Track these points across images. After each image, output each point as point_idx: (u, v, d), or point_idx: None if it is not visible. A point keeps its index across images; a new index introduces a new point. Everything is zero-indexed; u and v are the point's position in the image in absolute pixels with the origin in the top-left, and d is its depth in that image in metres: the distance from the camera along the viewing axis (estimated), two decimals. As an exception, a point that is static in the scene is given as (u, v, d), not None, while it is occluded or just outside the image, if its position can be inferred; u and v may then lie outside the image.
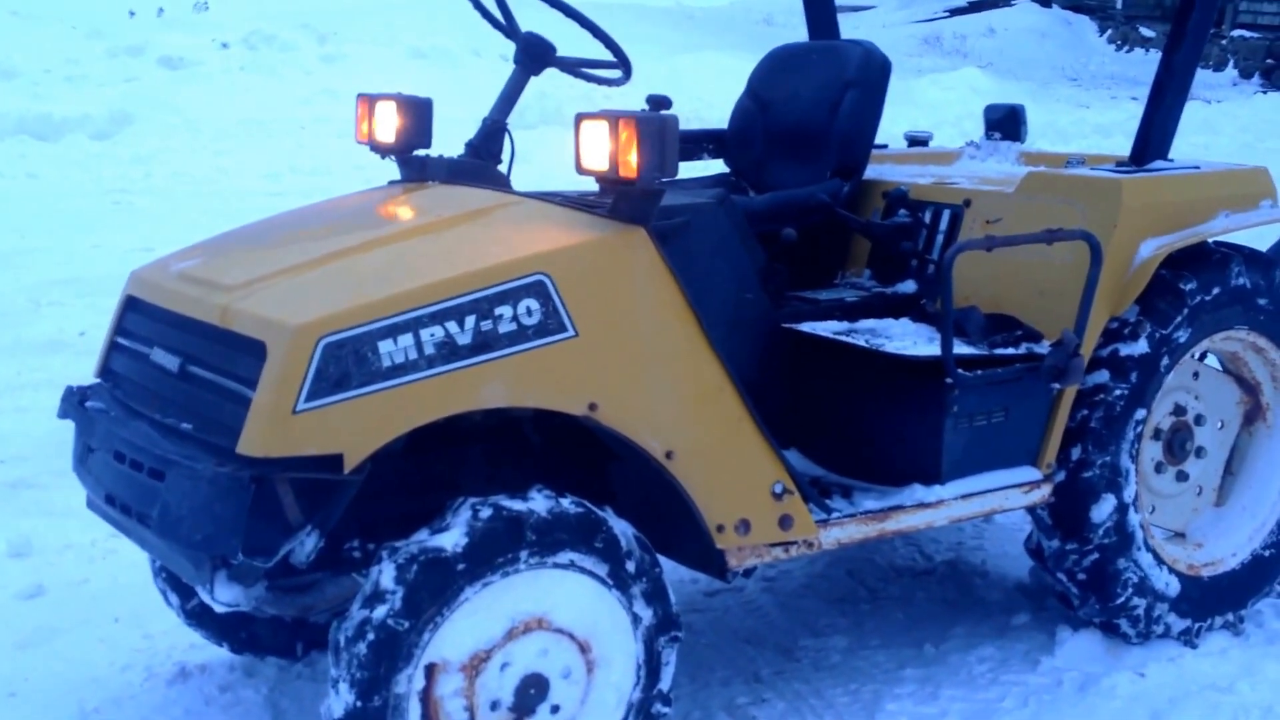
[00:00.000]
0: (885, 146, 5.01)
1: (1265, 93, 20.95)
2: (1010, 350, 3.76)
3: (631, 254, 3.26)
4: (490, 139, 4.14)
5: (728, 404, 3.33)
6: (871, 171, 4.56)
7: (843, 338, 3.74)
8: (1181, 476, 4.23)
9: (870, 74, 4.45)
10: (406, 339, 3.00)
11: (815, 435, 3.95)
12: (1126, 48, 24.37)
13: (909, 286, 4.24)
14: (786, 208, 4.25)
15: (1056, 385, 3.73)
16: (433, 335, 3.02)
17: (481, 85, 10.15)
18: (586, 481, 3.54)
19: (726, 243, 3.72)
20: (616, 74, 4.25)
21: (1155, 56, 4.26)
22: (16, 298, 8.29)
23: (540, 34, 4.19)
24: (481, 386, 3.06)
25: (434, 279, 3.08)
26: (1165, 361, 3.95)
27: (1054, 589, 4.11)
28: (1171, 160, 4.20)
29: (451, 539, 3.01)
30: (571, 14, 4.15)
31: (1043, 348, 3.77)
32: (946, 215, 4.25)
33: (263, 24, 17.88)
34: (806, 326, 3.84)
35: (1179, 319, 3.95)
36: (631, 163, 3.18)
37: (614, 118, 3.20)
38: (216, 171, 13.07)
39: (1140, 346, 3.90)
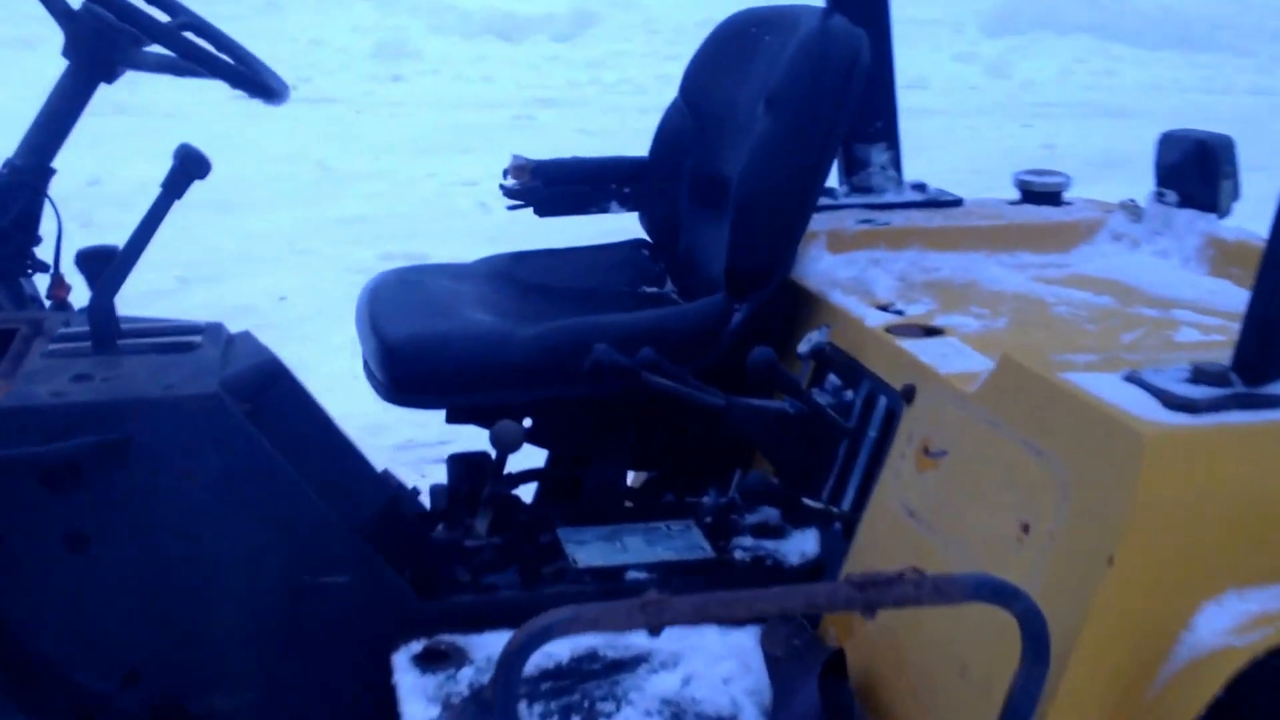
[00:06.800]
0: (961, 202, 2.62)
1: None
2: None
3: None
4: (9, 203, 2.23)
5: None
6: (855, 265, 2.27)
7: None
8: None
9: (820, 70, 2.15)
10: None
11: None
12: None
13: (807, 544, 2.01)
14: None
15: None
16: None
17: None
18: None
19: None
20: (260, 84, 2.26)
21: None
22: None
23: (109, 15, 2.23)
24: None
25: None
26: None
27: None
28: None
29: None
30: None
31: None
32: (882, 404, 1.94)
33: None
34: None
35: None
36: None
37: None
38: (658, 80, 11.42)
39: None
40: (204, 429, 1.74)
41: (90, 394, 1.74)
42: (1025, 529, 1.58)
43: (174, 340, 1.92)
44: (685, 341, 2.16)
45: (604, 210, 2.70)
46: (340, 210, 7.62)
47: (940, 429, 1.79)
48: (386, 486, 1.98)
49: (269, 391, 1.85)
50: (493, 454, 2.16)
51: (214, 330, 2.00)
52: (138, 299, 6.32)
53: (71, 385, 1.76)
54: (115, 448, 1.70)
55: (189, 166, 1.85)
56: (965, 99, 10.82)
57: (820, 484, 2.03)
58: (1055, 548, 1.53)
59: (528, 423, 2.28)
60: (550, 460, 2.41)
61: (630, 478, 2.51)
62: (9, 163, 2.25)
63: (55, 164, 2.30)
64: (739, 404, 2.02)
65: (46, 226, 2.33)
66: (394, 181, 8.22)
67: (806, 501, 1.94)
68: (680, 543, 2.08)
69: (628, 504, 2.28)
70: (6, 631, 1.75)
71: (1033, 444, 1.61)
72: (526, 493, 2.41)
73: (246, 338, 2.01)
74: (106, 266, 1.89)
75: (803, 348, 2.04)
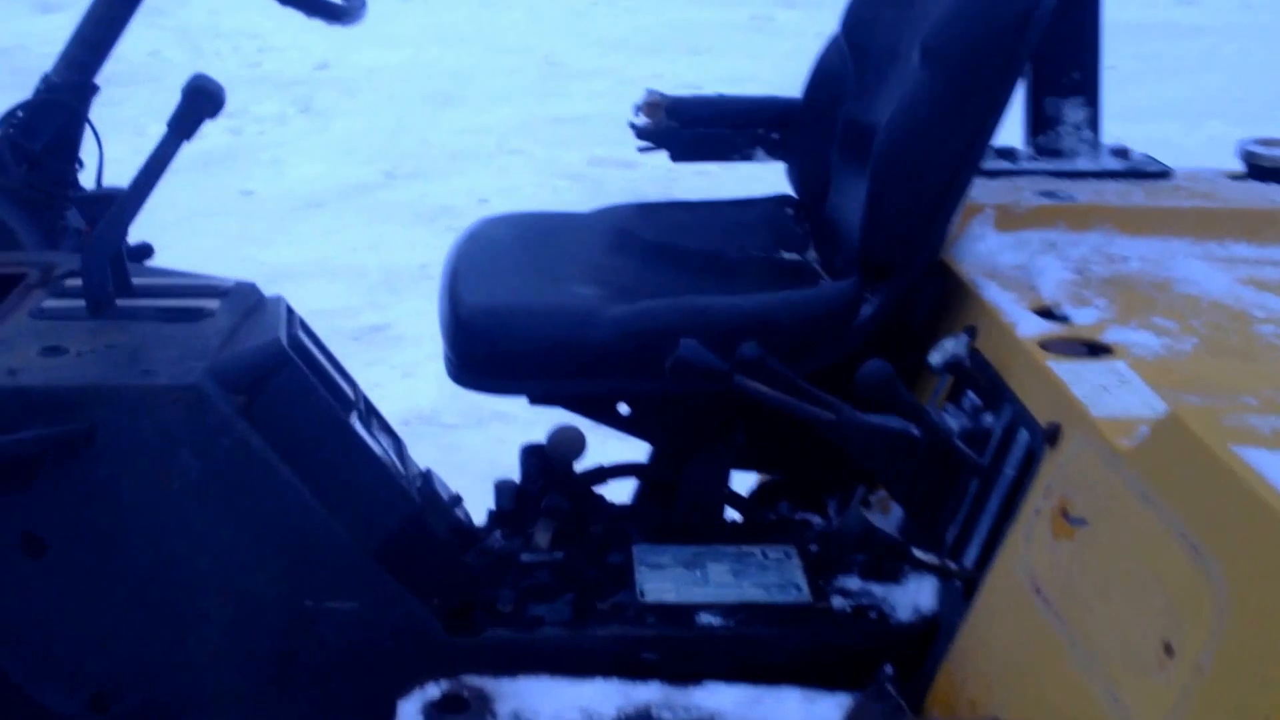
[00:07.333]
0: (1170, 173, 2.18)
1: None
2: None
3: None
4: (42, 124, 1.98)
5: None
6: (1025, 248, 1.88)
7: None
8: None
9: (987, 14, 1.75)
10: None
11: None
12: None
13: (923, 596, 1.66)
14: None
15: None
16: None
17: None
18: None
19: None
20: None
21: None
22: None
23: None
24: None
25: None
26: None
27: None
28: None
29: None
30: None
31: None
32: (1023, 440, 1.56)
33: None
34: None
35: None
36: None
37: None
38: None
39: None
40: (180, 424, 1.47)
41: (50, 376, 1.48)
42: (1168, 650, 1.21)
43: (184, 305, 1.65)
44: (803, 335, 1.80)
45: (747, 158, 2.33)
46: (558, 109, 7.39)
47: (1083, 489, 1.41)
48: (410, 497, 1.69)
49: (270, 380, 1.57)
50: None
51: (240, 294, 1.73)
52: (342, 192, 6.16)
53: (36, 360, 1.51)
54: (74, 442, 1.44)
55: (199, 103, 1.57)
56: (1238, 18, 9.97)
57: (947, 524, 1.67)
58: (1202, 687, 1.15)
59: (624, 409, 1.96)
60: (653, 454, 2.09)
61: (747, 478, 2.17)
62: (46, 79, 2.00)
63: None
64: (855, 420, 1.65)
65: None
66: (617, 80, 7.93)
67: (918, 554, 1.58)
68: (773, 577, 1.74)
69: (728, 517, 1.95)
70: None
71: (1190, 537, 1.22)
72: (623, 490, 2.09)
73: (277, 304, 1.73)
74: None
75: (935, 358, 1.67)
